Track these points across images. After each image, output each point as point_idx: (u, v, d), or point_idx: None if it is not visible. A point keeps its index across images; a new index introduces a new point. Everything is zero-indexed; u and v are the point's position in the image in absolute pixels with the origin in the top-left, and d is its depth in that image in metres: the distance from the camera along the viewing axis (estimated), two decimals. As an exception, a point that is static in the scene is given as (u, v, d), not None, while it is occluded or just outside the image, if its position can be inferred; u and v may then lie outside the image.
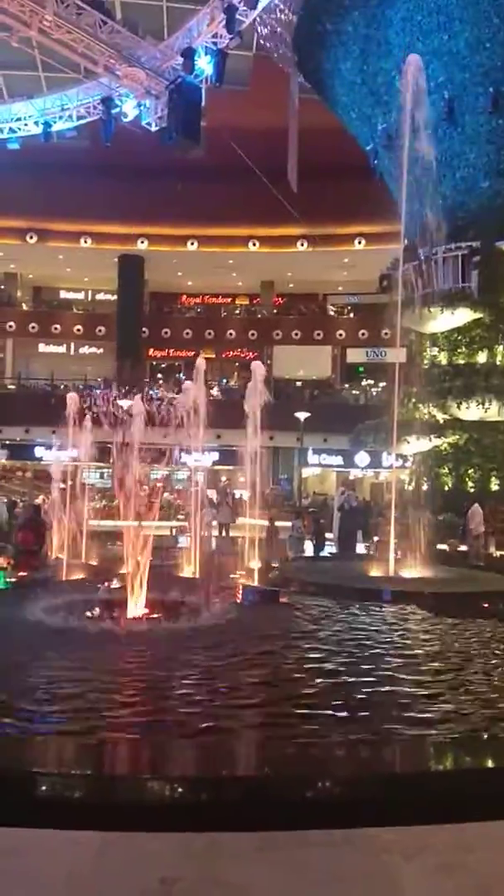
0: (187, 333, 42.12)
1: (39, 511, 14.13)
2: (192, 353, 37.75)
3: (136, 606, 8.30)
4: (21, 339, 42.05)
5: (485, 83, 21.21)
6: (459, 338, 22.12)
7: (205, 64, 19.69)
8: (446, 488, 20.83)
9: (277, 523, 17.11)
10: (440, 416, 21.35)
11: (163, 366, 42.88)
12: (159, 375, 41.33)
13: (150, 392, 33.49)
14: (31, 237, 37.90)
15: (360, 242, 36.74)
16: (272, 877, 2.42)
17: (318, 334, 41.36)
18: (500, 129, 21.49)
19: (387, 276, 22.91)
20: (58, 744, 4.08)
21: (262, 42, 26.60)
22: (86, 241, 38.35)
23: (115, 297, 41.11)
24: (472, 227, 21.92)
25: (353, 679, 5.57)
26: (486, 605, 9.26)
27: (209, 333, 42.06)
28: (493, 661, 6.25)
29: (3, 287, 43.04)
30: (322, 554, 17.64)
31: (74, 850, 2.56)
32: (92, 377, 37.43)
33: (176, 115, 18.80)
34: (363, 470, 26.40)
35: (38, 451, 31.80)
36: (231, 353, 41.75)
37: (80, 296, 45.08)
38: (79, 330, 42.39)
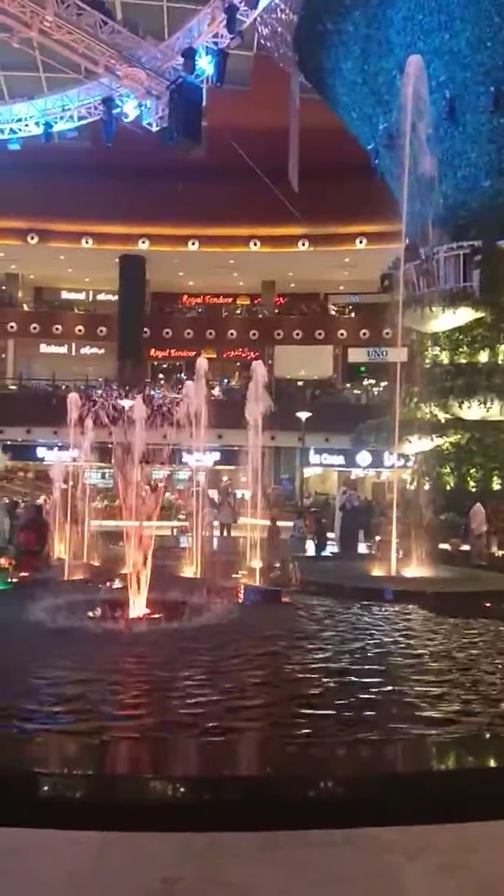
0: (188, 333, 42.13)
1: (41, 511, 14.14)
2: (194, 353, 37.75)
3: (138, 607, 8.30)
4: (22, 340, 42.08)
5: (486, 82, 21.18)
6: (461, 337, 22.10)
7: (205, 64, 19.69)
8: (448, 488, 20.82)
9: (279, 523, 17.09)
10: (442, 416, 21.34)
11: (164, 366, 42.88)
12: (160, 376, 41.34)
13: (152, 392, 33.50)
14: (33, 238, 37.93)
15: (361, 242, 36.74)
16: (273, 877, 2.42)
17: (320, 334, 41.36)
18: (501, 128, 21.46)
19: (388, 275, 22.89)
20: (59, 744, 4.08)
21: (262, 42, 26.59)
22: (87, 242, 38.38)
23: (116, 297, 41.12)
24: (473, 226, 21.91)
25: (358, 679, 5.55)
26: (488, 605, 9.25)
27: (210, 333, 42.07)
28: (499, 661, 6.23)
29: (4, 287, 43.08)
30: (324, 554, 17.63)
31: (75, 850, 2.55)
32: (93, 377, 37.46)
33: (177, 116, 18.80)
34: (365, 469, 26.42)
35: (40, 452, 31.91)
36: (232, 352, 41.76)
37: (82, 296, 45.11)
38: (80, 330, 42.41)
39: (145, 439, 9.78)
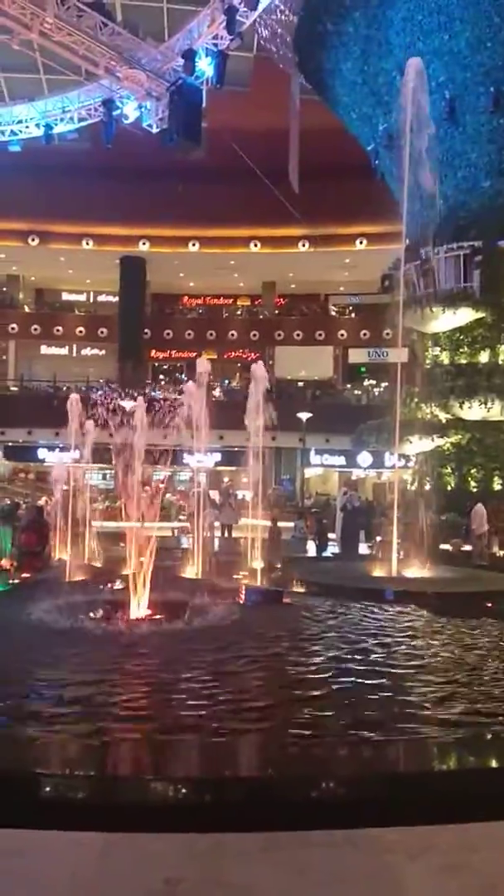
0: (189, 334, 42.15)
1: (42, 512, 14.14)
2: (194, 354, 37.73)
3: (139, 607, 8.30)
4: (23, 341, 42.11)
5: (486, 83, 21.20)
6: (461, 337, 22.10)
7: (205, 65, 19.70)
8: (449, 488, 20.82)
9: (280, 524, 17.09)
10: (442, 416, 21.34)
11: (165, 367, 42.90)
12: (161, 377, 41.35)
13: (153, 393, 33.49)
14: (33, 239, 37.96)
15: (361, 242, 36.74)
16: (275, 877, 2.42)
17: (320, 335, 41.37)
18: (501, 128, 21.47)
19: (388, 276, 22.91)
20: (61, 745, 4.08)
21: (262, 43, 26.62)
22: (87, 243, 38.40)
23: (116, 298, 41.13)
24: (473, 226, 21.91)
25: (360, 680, 5.54)
26: (489, 605, 9.24)
27: (211, 334, 42.09)
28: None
29: (5, 289, 43.12)
30: (325, 554, 17.63)
31: (78, 851, 2.56)
32: (94, 379, 37.47)
33: (177, 117, 18.81)
34: (365, 470, 26.38)
35: (41, 453, 31.93)
36: (233, 353, 41.75)
37: (82, 297, 45.12)
38: (81, 332, 42.44)
39: (146, 440, 9.77)
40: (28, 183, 32.18)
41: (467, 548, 17.70)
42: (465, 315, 21.75)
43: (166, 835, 2.68)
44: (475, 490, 20.61)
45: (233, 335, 42.11)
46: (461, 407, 20.99)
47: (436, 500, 16.33)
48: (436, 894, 2.43)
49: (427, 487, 19.72)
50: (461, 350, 22.14)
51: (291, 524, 19.15)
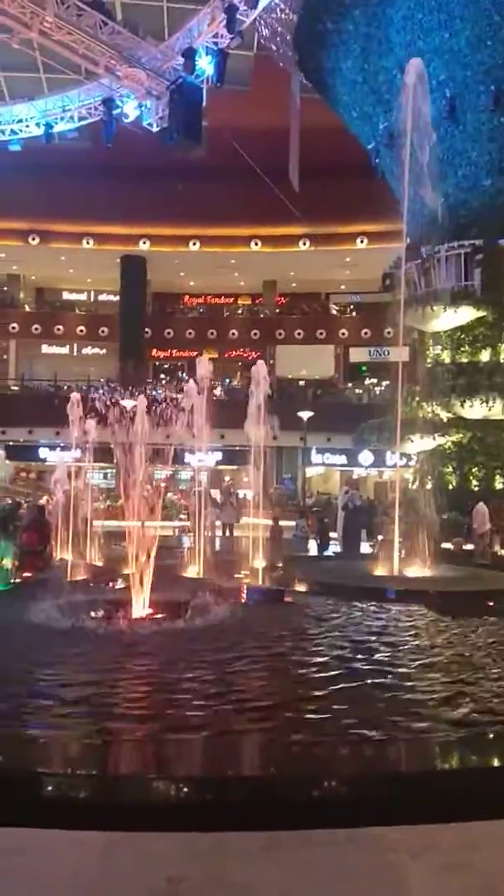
0: (190, 333, 42.13)
1: (43, 512, 14.15)
2: (195, 353, 37.70)
3: (141, 607, 8.30)
4: (24, 341, 42.10)
5: (486, 81, 21.16)
6: (462, 336, 22.09)
7: (205, 64, 19.69)
8: (450, 487, 20.81)
9: (281, 523, 17.09)
10: (444, 415, 21.33)
11: (166, 366, 42.89)
12: (162, 376, 41.34)
13: (153, 392, 33.49)
14: (34, 238, 37.95)
15: (362, 241, 36.70)
16: (277, 876, 2.42)
17: (321, 333, 41.34)
18: (501, 126, 21.43)
19: (389, 274, 22.89)
20: (62, 744, 4.08)
21: (262, 42, 26.58)
22: (88, 242, 38.39)
23: (117, 297, 41.11)
24: (474, 225, 21.89)
25: (363, 680, 5.53)
26: (491, 604, 9.24)
27: (212, 333, 42.07)
28: None
29: (6, 288, 43.12)
30: (326, 553, 17.63)
31: (80, 850, 2.56)
32: (95, 378, 37.47)
33: (177, 116, 18.80)
34: (367, 469, 26.42)
35: (42, 452, 31.96)
36: (234, 352, 41.73)
37: (83, 297, 45.11)
38: (81, 331, 42.42)
39: (147, 440, 9.77)
40: (28, 182, 32.17)
41: (469, 547, 17.70)
42: (466, 314, 21.74)
43: (168, 834, 2.68)
44: (476, 489, 20.60)
45: (234, 334, 42.09)
46: (462, 406, 20.98)
47: (437, 499, 16.32)
48: (438, 893, 2.43)
49: (428, 486, 19.70)
50: (462, 349, 22.13)
51: (293, 523, 19.17)
